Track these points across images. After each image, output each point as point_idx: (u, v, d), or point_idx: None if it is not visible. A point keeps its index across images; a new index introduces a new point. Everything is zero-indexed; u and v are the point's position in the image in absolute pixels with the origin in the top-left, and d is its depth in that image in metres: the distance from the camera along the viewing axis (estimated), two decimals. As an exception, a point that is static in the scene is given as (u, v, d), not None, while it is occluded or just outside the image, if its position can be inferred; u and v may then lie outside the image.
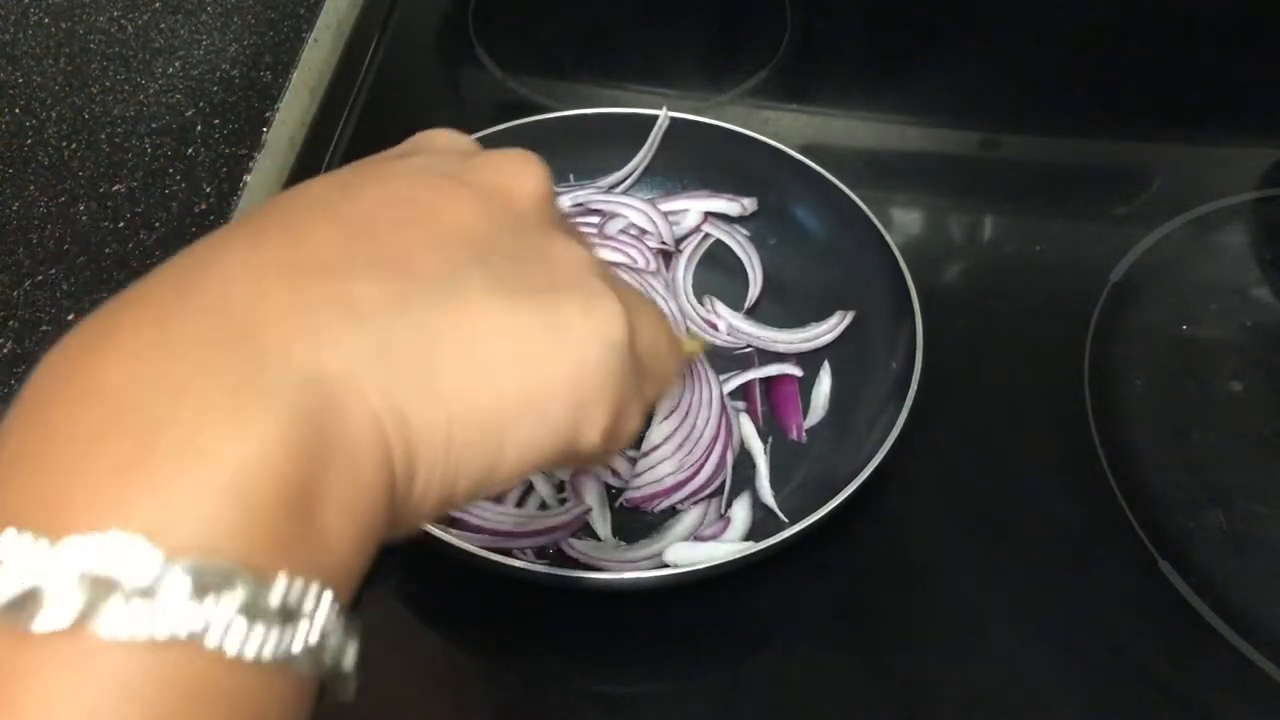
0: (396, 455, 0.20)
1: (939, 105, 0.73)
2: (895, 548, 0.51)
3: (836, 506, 0.45)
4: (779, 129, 0.70)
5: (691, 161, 0.63)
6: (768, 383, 0.56)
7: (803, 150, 0.59)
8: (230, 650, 0.17)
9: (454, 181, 0.24)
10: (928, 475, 0.53)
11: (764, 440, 0.53)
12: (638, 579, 0.45)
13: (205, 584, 0.17)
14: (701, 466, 0.51)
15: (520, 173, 0.25)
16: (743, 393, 0.56)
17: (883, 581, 0.50)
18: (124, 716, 0.16)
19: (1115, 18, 0.78)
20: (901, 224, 0.64)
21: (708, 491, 0.51)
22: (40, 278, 0.54)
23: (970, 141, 0.71)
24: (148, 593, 0.16)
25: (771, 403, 0.55)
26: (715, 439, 0.52)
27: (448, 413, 0.21)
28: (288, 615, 0.18)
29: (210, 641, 0.17)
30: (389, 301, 0.21)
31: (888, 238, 0.55)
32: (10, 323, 0.52)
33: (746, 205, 0.62)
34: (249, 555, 0.17)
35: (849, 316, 0.57)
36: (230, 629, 0.17)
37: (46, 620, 0.16)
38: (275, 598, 0.17)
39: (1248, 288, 0.62)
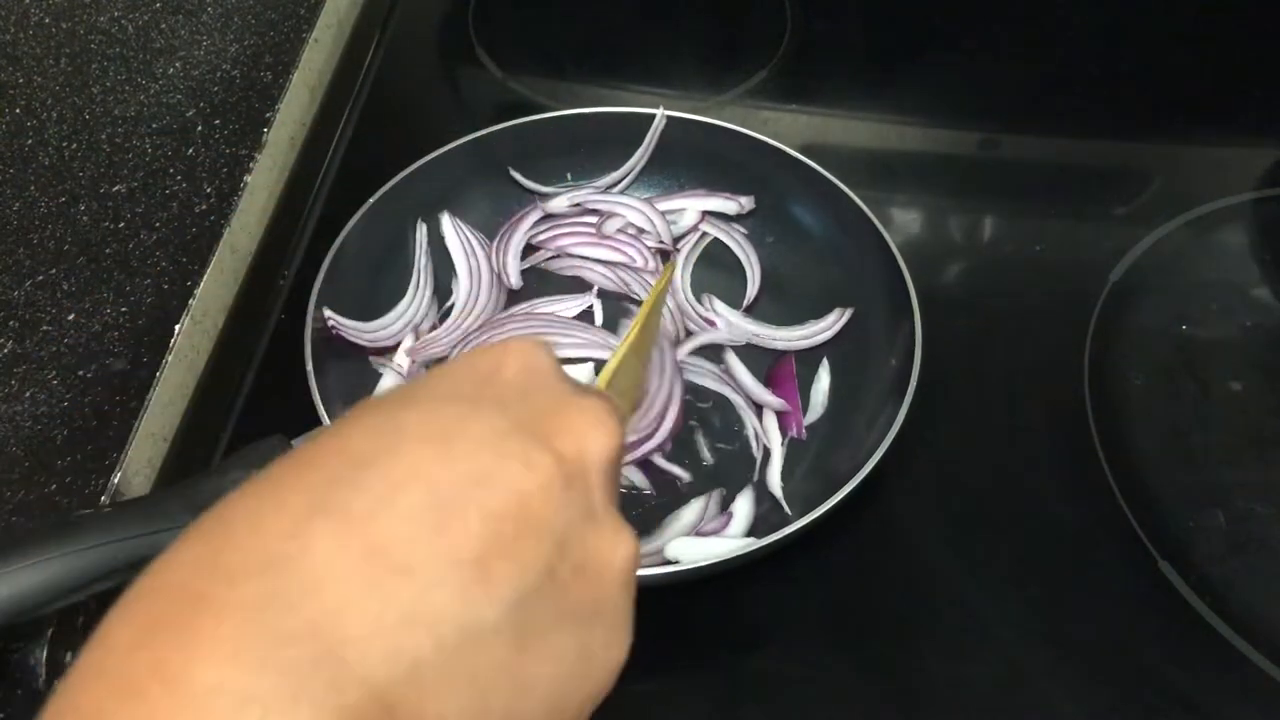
0: None
1: (939, 105, 0.73)
2: (895, 548, 0.51)
3: (838, 503, 0.45)
4: (779, 129, 0.70)
5: (689, 161, 0.63)
6: (768, 375, 0.56)
7: (802, 150, 0.59)
8: None
9: (539, 449, 0.25)
10: (928, 475, 0.53)
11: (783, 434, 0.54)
12: (640, 576, 0.45)
13: None
14: (656, 429, 0.53)
15: (595, 439, 0.26)
16: (771, 382, 0.56)
17: (883, 581, 0.50)
18: None
19: (1115, 18, 0.78)
20: (901, 224, 0.64)
21: (665, 448, 0.53)
22: (40, 278, 0.54)
23: (970, 141, 0.71)
24: None
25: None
26: (668, 403, 0.54)
27: None
28: None
29: None
30: (465, 631, 0.22)
31: (887, 237, 0.55)
32: (10, 323, 0.52)
33: (744, 203, 0.62)
34: None
35: (847, 313, 0.57)
36: None
37: None
38: None
39: (1248, 288, 0.62)
